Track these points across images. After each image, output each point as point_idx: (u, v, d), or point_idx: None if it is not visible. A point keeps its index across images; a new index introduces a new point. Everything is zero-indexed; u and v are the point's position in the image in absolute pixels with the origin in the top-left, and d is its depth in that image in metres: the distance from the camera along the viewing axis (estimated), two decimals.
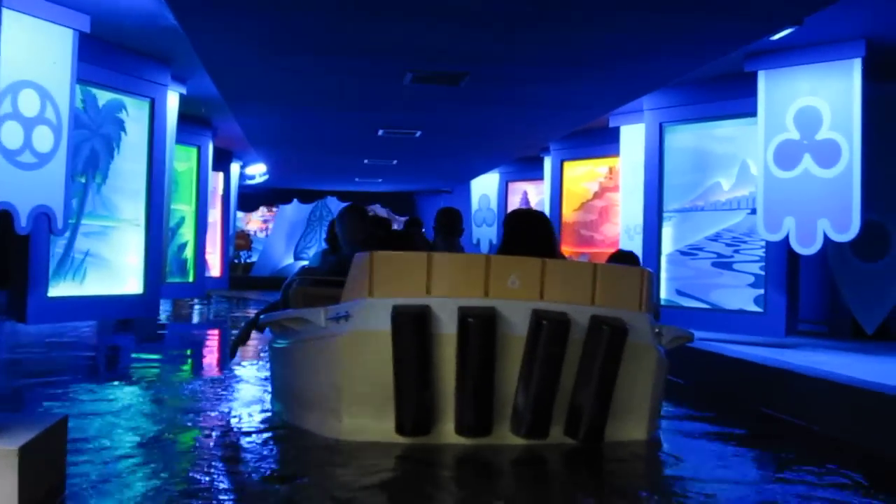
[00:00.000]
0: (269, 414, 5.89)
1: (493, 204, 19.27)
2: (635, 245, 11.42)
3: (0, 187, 7.25)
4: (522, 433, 4.77)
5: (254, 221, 29.14)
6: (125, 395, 7.03)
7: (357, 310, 4.82)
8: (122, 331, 11.04)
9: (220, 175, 17.38)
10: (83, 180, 9.00)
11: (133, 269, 9.73)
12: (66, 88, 7.91)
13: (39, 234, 8.06)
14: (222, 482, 4.18)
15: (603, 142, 13.46)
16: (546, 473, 4.63)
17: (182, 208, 13.78)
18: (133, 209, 9.73)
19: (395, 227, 12.61)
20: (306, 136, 12.71)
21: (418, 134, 11.68)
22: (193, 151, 13.93)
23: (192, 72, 10.28)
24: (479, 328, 4.56)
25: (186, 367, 9.45)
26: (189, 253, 13.90)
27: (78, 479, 4.03)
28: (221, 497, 3.93)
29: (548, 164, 15.62)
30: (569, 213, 14.40)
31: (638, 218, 11.50)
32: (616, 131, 12.36)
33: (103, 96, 9.22)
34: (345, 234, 6.13)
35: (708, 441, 5.60)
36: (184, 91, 10.91)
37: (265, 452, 4.92)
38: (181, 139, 13.08)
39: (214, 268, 17.40)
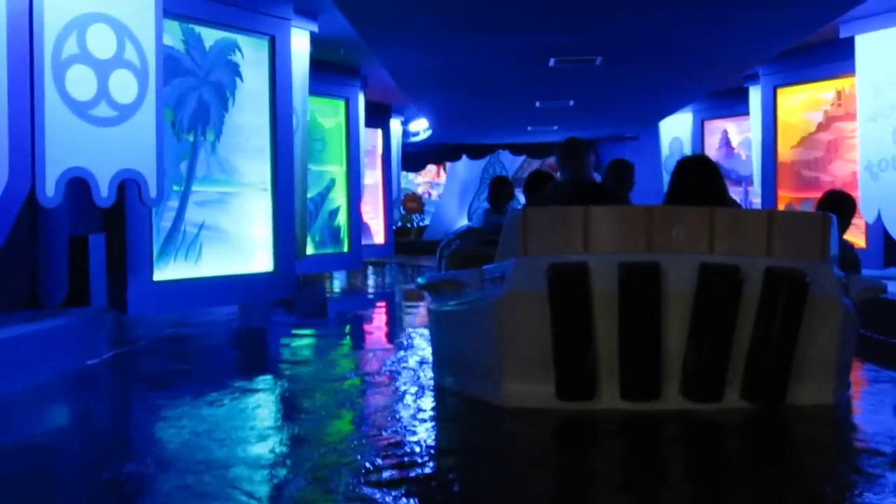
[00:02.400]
0: (429, 374, 5.66)
1: (687, 148, 16.76)
2: (882, 186, 8.87)
3: (70, 149, 5.74)
4: (694, 397, 4.44)
5: (423, 177, 27.71)
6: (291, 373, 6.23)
7: (511, 270, 4.58)
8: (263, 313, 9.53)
9: (378, 132, 15.86)
10: (191, 138, 7.47)
11: (261, 243, 8.17)
12: (151, 22, 6.32)
13: (135, 205, 6.56)
14: (371, 450, 3.97)
15: (828, 59, 10.96)
16: (722, 442, 4.27)
17: (331, 169, 12.23)
18: (257, 171, 8.16)
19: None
20: (462, 75, 10.78)
21: (598, 61, 9.51)
22: (340, 105, 12.33)
23: (321, 4, 8.56)
24: (642, 285, 4.31)
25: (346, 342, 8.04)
26: (342, 219, 12.35)
27: None
28: (373, 465, 3.72)
29: (755, 94, 13.17)
30: (785, 151, 11.86)
31: (885, 151, 9.01)
32: (848, 43, 9.81)
33: (210, 35, 7.63)
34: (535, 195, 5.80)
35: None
36: (315, 29, 9.22)
37: (423, 422, 4.56)
38: (324, 90, 11.56)
39: (377, 234, 15.94)
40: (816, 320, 4.44)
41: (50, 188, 5.62)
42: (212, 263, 7.61)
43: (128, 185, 6.29)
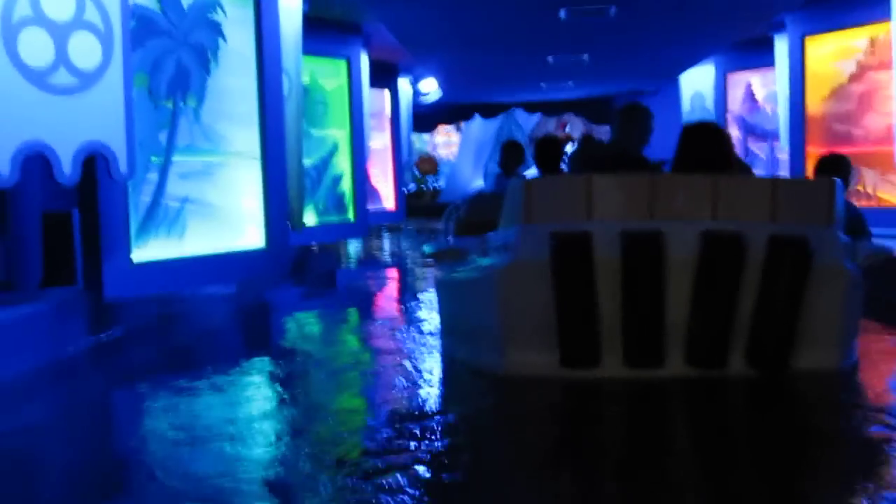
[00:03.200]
0: (437, 346, 5.69)
1: (709, 103, 16.02)
2: None
3: (26, 121, 5.18)
4: (697, 363, 4.46)
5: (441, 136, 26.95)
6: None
7: (514, 238, 4.59)
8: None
9: (386, 93, 15.23)
10: (170, 105, 6.89)
11: (252, 216, 7.62)
12: None
13: (108, 179, 6.01)
14: (379, 418, 4.14)
15: (861, 4, 10.26)
16: (727, 408, 4.30)
17: (334, 134, 11.65)
18: (246, 138, 7.58)
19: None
20: (468, 29, 10.13)
21: (612, 11, 8.82)
22: (342, 65, 11.71)
23: None
24: (645, 252, 4.34)
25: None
26: (346, 185, 11.78)
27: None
28: (379, 434, 3.83)
29: (781, 44, 12.46)
30: (815, 103, 11.16)
31: None
32: None
33: None
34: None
35: None
36: None
37: (428, 389, 4.70)
38: (323, 50, 10.96)
39: (387, 199, 15.37)
40: (821, 286, 4.41)
41: (4, 166, 5.06)
42: (197, 240, 7.07)
43: (97, 159, 5.73)
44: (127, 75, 5.82)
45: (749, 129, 14.84)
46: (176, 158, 6.93)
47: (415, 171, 25.25)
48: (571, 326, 4.43)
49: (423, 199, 24.63)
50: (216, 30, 7.25)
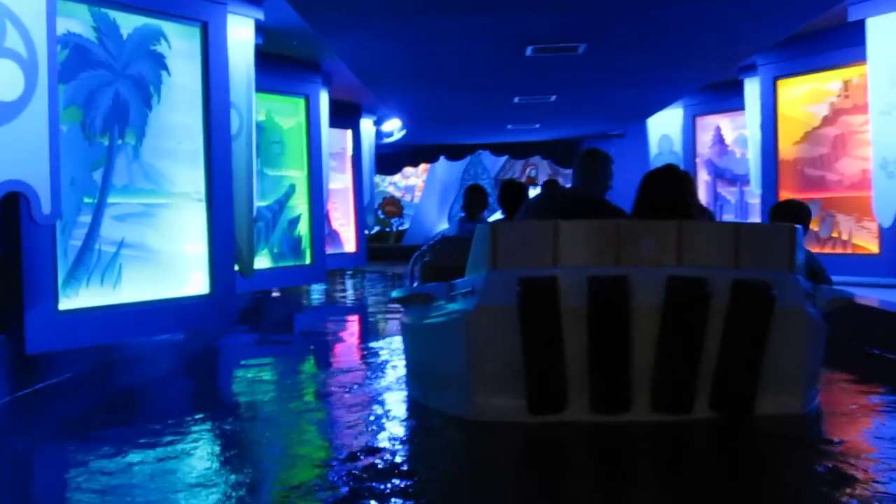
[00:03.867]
0: (402, 394, 5.57)
1: (678, 146, 15.75)
2: None
3: None
4: (663, 409, 4.44)
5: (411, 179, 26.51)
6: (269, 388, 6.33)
7: (481, 284, 4.58)
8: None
9: (348, 133, 14.80)
10: (106, 141, 6.37)
11: (195, 262, 7.08)
12: (41, 4, 5.23)
13: (31, 221, 5.47)
14: (346, 466, 3.95)
15: (834, 46, 10.07)
16: (692, 453, 4.27)
17: (291, 174, 11.15)
18: (191, 178, 7.07)
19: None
20: (430, 67, 9.72)
21: (581, 49, 8.45)
22: (300, 103, 11.25)
23: None
24: (611, 299, 4.34)
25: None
26: (303, 228, 11.26)
27: None
28: (341, 480, 3.74)
29: (751, 87, 12.23)
30: (787, 147, 10.87)
31: None
32: (858, 28, 8.85)
33: (128, 22, 6.54)
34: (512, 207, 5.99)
35: (868, 411, 5.13)
36: (259, 16, 8.15)
37: (394, 434, 4.64)
38: (280, 87, 10.53)
39: (348, 242, 14.86)
40: (784, 331, 4.45)
41: None
42: (135, 288, 6.52)
43: (17, 198, 5.20)
44: (52, 107, 5.31)
45: (718, 173, 14.57)
46: (112, 199, 6.40)
47: (379, 213, 24.80)
48: (538, 372, 4.42)
49: (386, 242, 24.15)
50: (159, 62, 6.76)
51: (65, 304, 5.99)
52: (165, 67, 6.81)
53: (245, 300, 10.67)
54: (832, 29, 9.61)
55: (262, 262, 10.50)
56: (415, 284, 5.98)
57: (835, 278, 7.71)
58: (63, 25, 5.98)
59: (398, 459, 4.13)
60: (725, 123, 14.52)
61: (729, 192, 14.19)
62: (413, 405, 5.22)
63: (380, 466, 3.94)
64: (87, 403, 5.83)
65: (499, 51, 8.59)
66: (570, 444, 4.36)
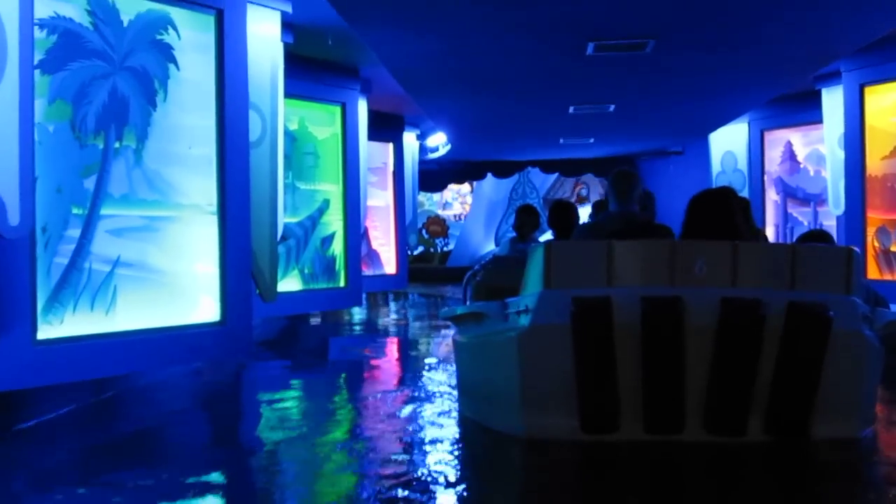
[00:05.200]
0: (454, 410, 5.55)
1: (742, 163, 14.66)
2: None
3: None
4: (716, 430, 4.43)
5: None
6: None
7: (535, 302, 4.59)
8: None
9: (390, 147, 13.93)
10: (100, 143, 5.50)
11: (206, 284, 6.17)
12: None
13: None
14: (396, 480, 3.96)
15: None
16: (744, 476, 4.15)
17: (325, 188, 10.25)
18: (202, 189, 6.18)
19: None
20: (478, 68, 8.76)
21: (650, 47, 7.44)
22: (336, 111, 10.37)
23: None
24: (664, 319, 4.34)
25: None
26: (338, 247, 10.35)
27: None
28: (394, 495, 3.73)
29: (829, 97, 11.19)
30: (875, 162, 9.73)
31: None
32: None
33: (130, 6, 5.68)
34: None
35: None
36: (287, 9, 7.27)
37: (447, 450, 4.63)
38: (313, 94, 9.69)
39: (388, 263, 13.94)
40: (840, 354, 4.41)
41: None
42: (132, 314, 5.63)
43: None
44: (25, 100, 4.45)
45: (789, 192, 13.41)
46: (107, 211, 5.53)
47: (423, 232, 23.90)
48: (592, 392, 4.43)
49: (431, 263, 23.22)
50: (165, 53, 5.89)
51: (45, 332, 5.10)
52: (173, 60, 5.94)
53: (272, 326, 9.81)
54: None
55: (291, 284, 9.62)
56: (467, 303, 5.94)
57: None
58: (51, 8, 5.15)
59: (451, 476, 4.09)
60: (797, 138, 13.39)
61: (801, 213, 13.02)
62: (464, 423, 5.21)
63: (431, 486, 3.87)
64: (79, 447, 4.98)
65: (555, 49, 7.61)
66: (623, 463, 4.33)
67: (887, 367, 4.92)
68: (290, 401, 6.35)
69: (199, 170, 6.14)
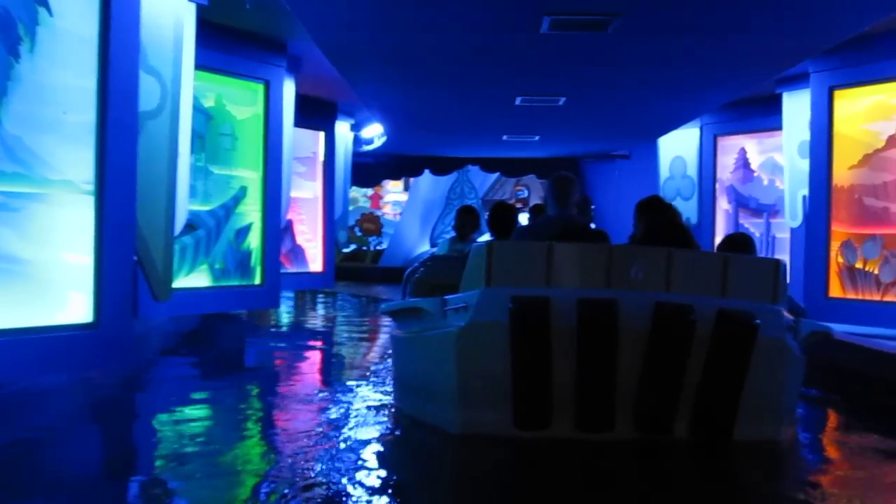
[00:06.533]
0: (388, 405, 5.56)
1: (692, 170, 13.99)
2: None
3: None
4: (645, 429, 4.58)
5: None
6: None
7: (474, 300, 4.68)
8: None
9: (321, 136, 12.96)
10: None
11: (76, 277, 5.11)
12: None
13: None
14: (333, 475, 3.97)
15: None
16: (667, 473, 4.39)
17: (243, 174, 9.21)
18: (78, 162, 5.11)
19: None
20: (416, 47, 7.79)
21: (612, 27, 6.55)
22: (258, 89, 9.33)
23: None
24: (599, 321, 4.47)
25: None
26: (255, 241, 9.31)
27: None
28: (329, 490, 3.71)
29: (791, 102, 10.69)
30: (841, 172, 9.04)
31: None
32: None
33: None
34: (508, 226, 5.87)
35: (846, 440, 5.34)
36: None
37: (380, 445, 4.63)
38: (234, 68, 8.72)
39: (314, 260, 12.91)
40: (765, 361, 4.59)
41: None
42: None
43: None
44: None
45: (741, 202, 12.74)
46: None
47: (356, 230, 22.90)
48: (527, 389, 4.52)
49: (363, 262, 22.22)
50: None
51: None
52: (45, 3, 4.87)
53: (180, 326, 8.74)
54: None
55: (198, 279, 8.57)
56: (407, 299, 5.95)
57: None
58: None
59: (382, 472, 4.08)
60: (752, 145, 12.73)
61: (753, 224, 12.34)
62: (400, 417, 5.25)
63: (361, 480, 3.87)
64: None
65: (506, 23, 6.67)
66: (554, 459, 4.40)
67: (808, 373, 5.26)
68: (195, 413, 5.31)
69: (75, 140, 5.09)
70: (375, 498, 3.64)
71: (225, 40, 8.42)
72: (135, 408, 5.50)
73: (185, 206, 6.94)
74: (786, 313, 4.87)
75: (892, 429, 5.41)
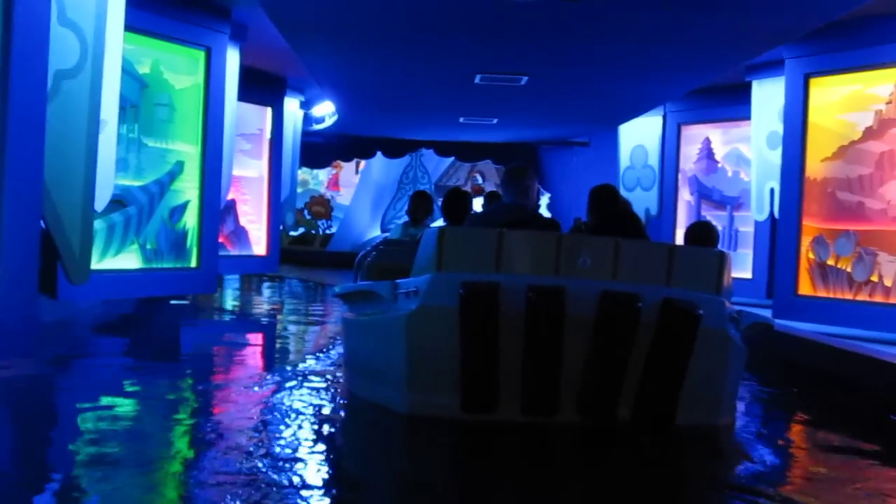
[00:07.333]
0: (338, 386, 5.63)
1: (654, 159, 13.56)
2: None
3: None
4: (589, 414, 4.70)
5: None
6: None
7: (425, 285, 4.75)
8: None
9: (268, 112, 12.27)
10: None
11: None
12: None
13: None
14: (284, 454, 3.97)
15: (886, 38, 7.83)
16: (611, 455, 4.58)
17: (180, 149, 8.53)
18: None
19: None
20: (372, 13, 7.17)
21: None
22: (199, 57, 8.64)
23: None
24: (547, 307, 4.54)
25: None
26: (191, 221, 8.62)
27: None
28: (279, 473, 3.66)
29: (760, 91, 10.36)
30: (815, 164, 8.63)
31: None
32: None
33: None
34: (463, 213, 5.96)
35: (784, 428, 5.64)
36: None
37: (330, 426, 4.72)
38: (171, 31, 8.11)
39: (258, 243, 12.23)
40: (707, 350, 4.70)
41: None
42: None
43: None
44: None
45: (704, 193, 12.33)
46: None
47: (305, 212, 22.18)
48: (474, 373, 4.57)
49: (311, 246, 21.54)
50: None
51: None
52: None
53: (109, 311, 8.06)
54: (883, 18, 7.45)
55: (127, 261, 7.90)
56: (359, 282, 6.00)
57: (871, 335, 7.72)
58: None
59: (330, 453, 4.09)
60: (716, 136, 12.31)
61: (716, 217, 11.89)
62: (349, 398, 5.32)
63: (306, 461, 3.85)
64: None
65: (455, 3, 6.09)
66: (499, 442, 4.49)
67: (750, 364, 5.46)
68: (119, 409, 4.69)
69: None
70: (321, 477, 3.68)
71: (163, 1, 7.73)
72: (44, 405, 4.86)
73: (110, 180, 6.27)
74: (728, 304, 4.98)
75: (838, 422, 5.61)
